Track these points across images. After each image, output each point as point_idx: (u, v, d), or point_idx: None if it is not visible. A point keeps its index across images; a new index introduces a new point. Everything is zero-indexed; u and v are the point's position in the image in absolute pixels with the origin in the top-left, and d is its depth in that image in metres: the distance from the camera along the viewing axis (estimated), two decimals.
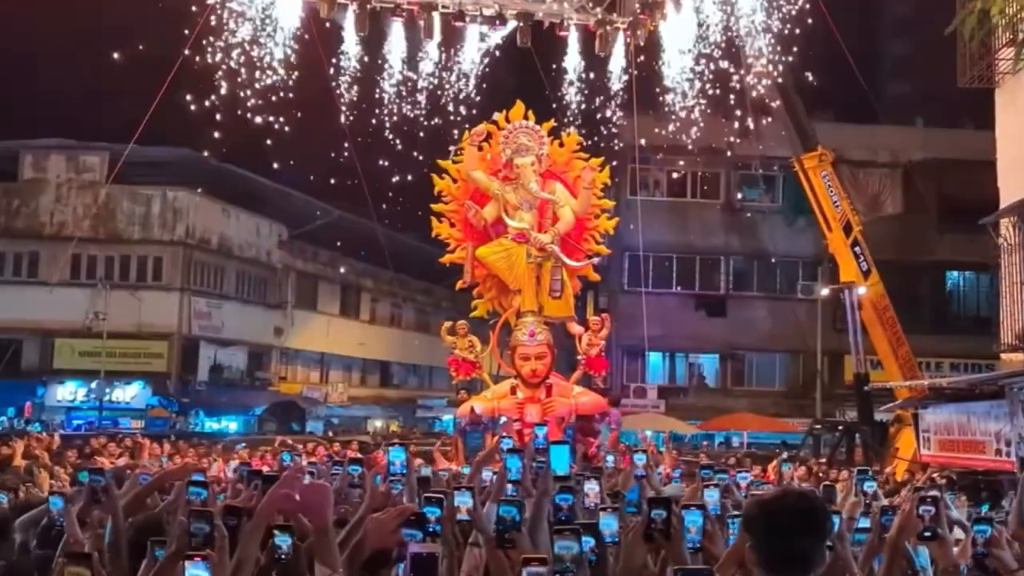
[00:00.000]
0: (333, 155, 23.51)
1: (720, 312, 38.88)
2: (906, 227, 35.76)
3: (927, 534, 4.47)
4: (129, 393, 39.97)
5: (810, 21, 19.26)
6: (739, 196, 39.16)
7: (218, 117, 18.67)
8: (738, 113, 23.71)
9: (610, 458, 9.89)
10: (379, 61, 19.53)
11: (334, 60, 19.43)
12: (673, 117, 20.52)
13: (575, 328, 17.27)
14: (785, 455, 23.95)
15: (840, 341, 29.68)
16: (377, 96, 19.91)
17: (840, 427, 28.12)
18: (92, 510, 4.89)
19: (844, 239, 25.54)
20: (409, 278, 57.32)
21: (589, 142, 18.74)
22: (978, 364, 28.81)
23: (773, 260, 38.38)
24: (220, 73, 17.80)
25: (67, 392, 40.02)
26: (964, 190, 31.03)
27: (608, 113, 21.19)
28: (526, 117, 17.11)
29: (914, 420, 21.15)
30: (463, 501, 4.64)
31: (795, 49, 20.54)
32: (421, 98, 19.99)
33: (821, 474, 17.73)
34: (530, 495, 5.44)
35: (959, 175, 33.78)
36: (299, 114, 19.84)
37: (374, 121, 20.33)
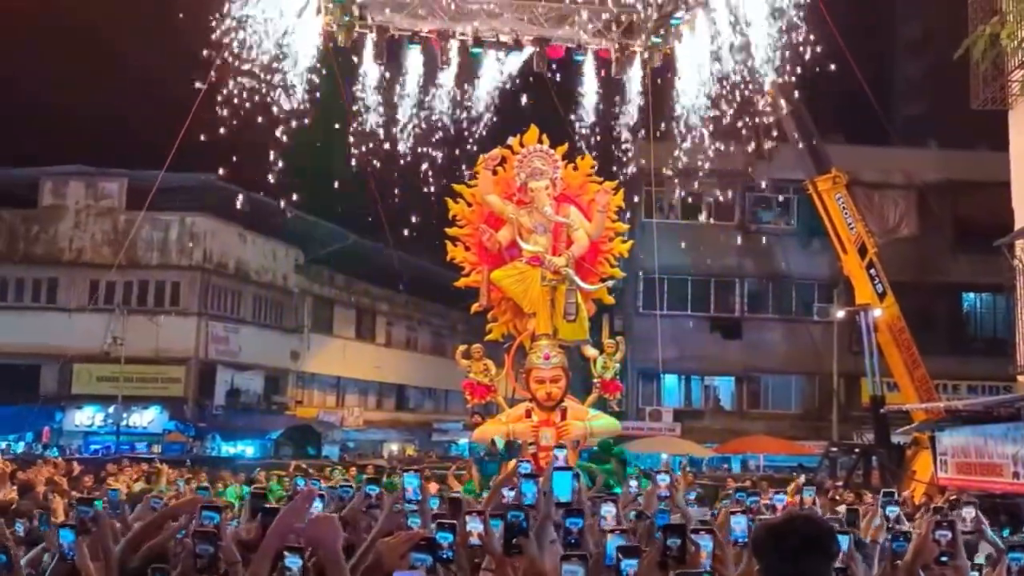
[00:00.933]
0: (349, 180, 23.66)
1: (735, 334, 38.86)
2: (921, 249, 35.72)
3: (943, 559, 4.46)
4: (146, 418, 40.12)
5: (819, 49, 19.31)
6: (754, 218, 39.20)
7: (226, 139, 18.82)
8: (752, 136, 23.79)
9: (633, 483, 9.90)
10: (397, 87, 19.71)
11: (352, 86, 19.62)
12: (688, 140, 20.61)
13: (590, 351, 17.28)
14: (803, 478, 23.89)
15: (856, 363, 29.61)
16: (394, 122, 20.06)
17: (857, 450, 28.02)
18: (83, 541, 4.88)
19: (859, 261, 25.54)
20: (424, 301, 57.46)
21: (603, 165, 18.83)
22: (995, 386, 28.75)
23: (788, 282, 38.36)
24: (237, 99, 17.98)
25: (85, 417, 40.20)
26: (979, 211, 31.03)
27: (623, 136, 21.29)
28: (540, 141, 17.22)
29: (931, 443, 21.09)
30: (474, 526, 4.68)
31: (807, 72, 20.61)
32: (438, 123, 20.15)
33: (837, 497, 17.64)
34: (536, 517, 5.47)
35: (974, 196, 33.78)
36: (317, 143, 19.99)
37: (387, 145, 20.46)
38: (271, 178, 19.59)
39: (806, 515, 3.63)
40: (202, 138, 18.69)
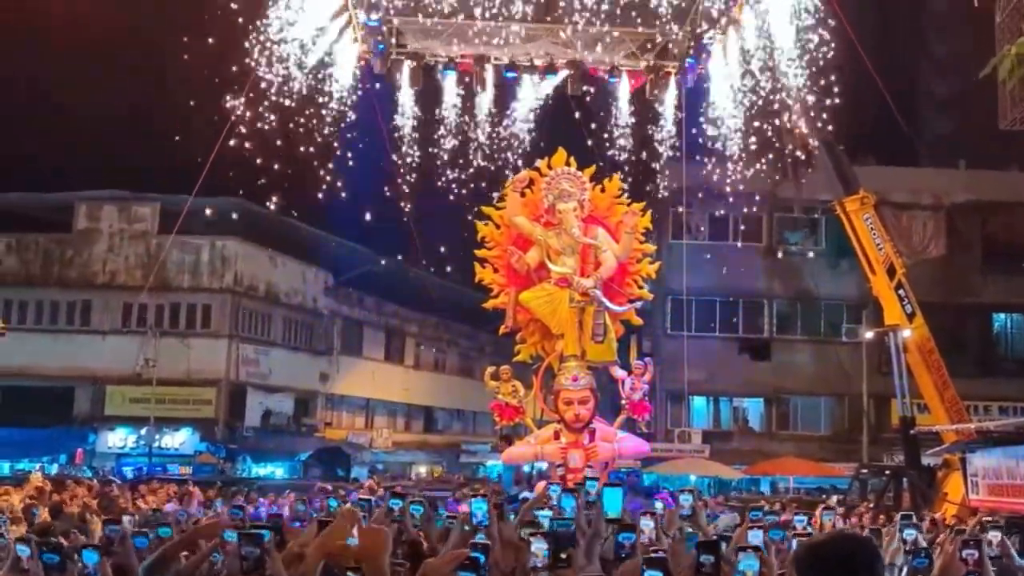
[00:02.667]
0: (384, 204, 23.87)
1: (764, 355, 38.76)
2: (950, 269, 35.55)
3: None
4: (178, 439, 40.43)
5: (848, 70, 19.39)
6: (782, 239, 39.16)
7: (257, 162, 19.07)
8: (781, 158, 23.85)
9: (658, 505, 9.98)
10: (434, 113, 19.97)
11: (388, 110, 19.90)
12: (716, 161, 20.71)
13: (618, 372, 17.33)
14: (834, 499, 23.81)
15: (886, 384, 29.46)
16: (429, 145, 20.30)
17: (887, 471, 27.85)
18: (107, 561, 4.93)
19: (888, 282, 25.46)
20: (453, 323, 57.63)
21: (631, 186, 18.94)
22: None
23: (817, 303, 38.24)
24: (270, 123, 18.24)
25: (117, 438, 40.55)
26: (1008, 232, 30.92)
27: (652, 157, 21.41)
28: (568, 163, 17.36)
29: (962, 464, 20.96)
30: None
31: (836, 93, 20.66)
32: (472, 147, 20.35)
33: (867, 519, 17.56)
34: (584, 534, 5.61)
35: (1003, 217, 33.66)
36: (350, 162, 20.20)
37: (420, 167, 20.67)
38: (302, 200, 19.85)
39: (851, 535, 3.65)
40: (238, 156, 18.94)
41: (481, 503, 5.93)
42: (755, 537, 5.67)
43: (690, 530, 6.80)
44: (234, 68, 17.90)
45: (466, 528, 5.69)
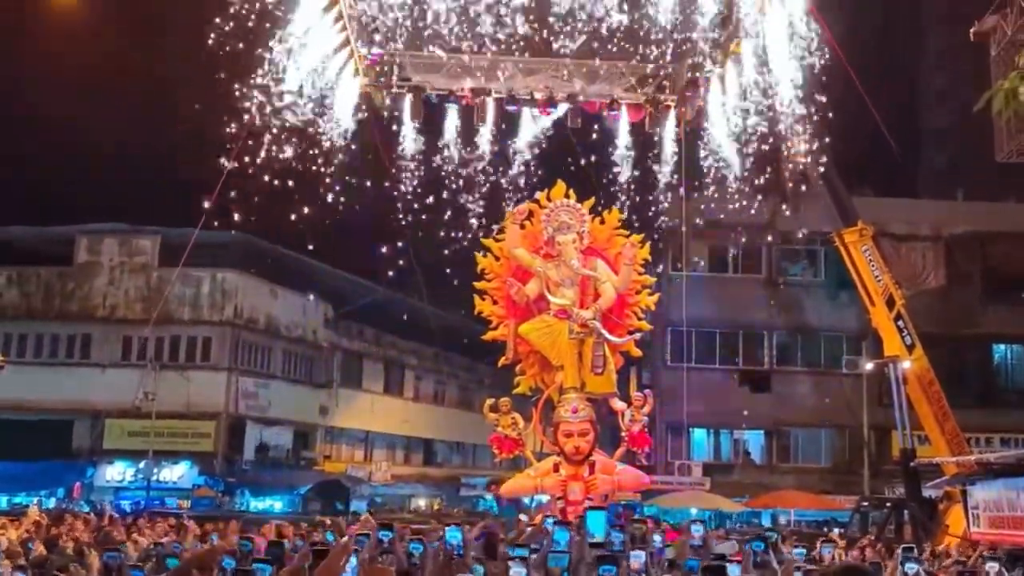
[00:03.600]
0: (383, 236, 23.92)
1: (764, 387, 38.70)
2: (950, 300, 35.58)
3: None
4: (176, 473, 40.30)
5: (846, 102, 19.50)
6: (781, 271, 39.22)
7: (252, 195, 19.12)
8: (780, 189, 23.94)
9: (657, 538, 9.95)
10: (435, 143, 20.07)
11: (389, 143, 20.00)
12: (715, 193, 20.77)
13: (618, 404, 17.28)
14: (835, 532, 23.71)
15: (886, 416, 29.43)
16: (428, 177, 20.39)
17: (888, 504, 27.74)
18: None
19: (887, 313, 25.48)
20: (452, 355, 57.59)
21: (630, 218, 18.99)
22: None
23: (817, 334, 38.24)
24: (273, 155, 18.31)
25: (116, 472, 40.42)
26: (1008, 263, 30.99)
27: (651, 189, 21.48)
28: (567, 195, 17.43)
29: (963, 496, 20.88)
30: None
31: (834, 125, 20.78)
32: (472, 179, 20.44)
33: (868, 552, 17.47)
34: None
35: (1002, 247, 33.74)
36: (351, 195, 20.27)
37: (415, 196, 20.72)
38: (302, 232, 19.90)
39: (856, 566, 3.67)
40: (239, 189, 18.99)
41: (455, 532, 5.94)
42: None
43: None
44: (236, 99, 17.97)
45: (441, 556, 5.70)
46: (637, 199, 20.68)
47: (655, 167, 20.57)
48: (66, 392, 39.55)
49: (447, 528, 6.17)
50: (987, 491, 19.37)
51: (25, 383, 37.87)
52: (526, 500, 16.72)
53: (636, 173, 20.56)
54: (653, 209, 21.63)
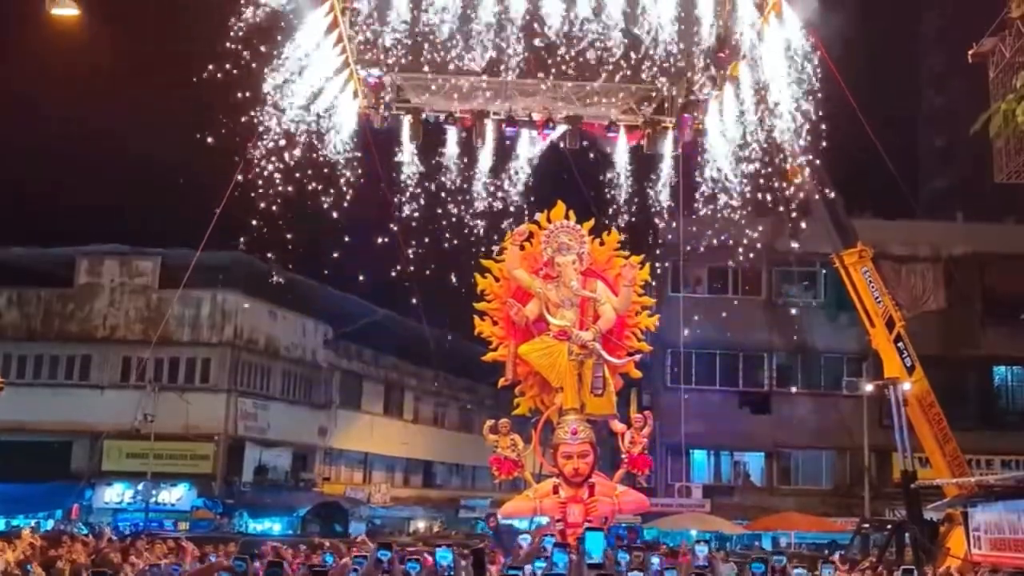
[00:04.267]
0: (382, 256, 23.95)
1: (764, 409, 38.62)
2: (950, 322, 35.56)
3: None
4: (175, 495, 40.13)
5: (845, 123, 19.55)
6: (781, 292, 39.22)
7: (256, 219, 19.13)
8: (779, 211, 23.94)
9: (655, 560, 9.94)
10: (434, 166, 20.12)
11: (388, 164, 20.05)
12: (714, 215, 20.79)
13: (617, 426, 17.26)
14: (836, 555, 23.59)
15: (887, 438, 29.32)
16: (427, 197, 20.41)
17: (889, 526, 27.62)
18: None
19: (887, 335, 25.43)
20: (452, 376, 57.49)
21: (630, 239, 19.02)
22: None
23: (817, 356, 38.18)
24: (272, 176, 18.33)
25: (114, 494, 40.25)
26: (1007, 284, 31.00)
27: (651, 210, 21.52)
28: (567, 217, 17.47)
29: (964, 519, 20.79)
30: None
31: (833, 146, 20.81)
32: (471, 199, 20.47)
33: (869, 574, 17.42)
34: None
35: (1002, 269, 33.75)
36: (350, 216, 20.30)
37: (414, 217, 20.75)
38: (303, 253, 19.92)
39: None
40: (239, 210, 19.01)
41: (446, 552, 5.96)
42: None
43: None
44: (237, 119, 18.02)
45: None
46: (634, 220, 20.74)
47: (652, 190, 20.62)
48: (65, 413, 39.44)
49: (437, 550, 6.19)
50: (988, 513, 19.28)
51: (24, 404, 37.74)
52: (522, 525, 16.62)
53: (634, 195, 20.62)
54: (652, 231, 21.70)
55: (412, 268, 22.93)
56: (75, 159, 44.04)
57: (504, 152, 20.43)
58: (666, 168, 20.33)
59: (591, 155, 21.03)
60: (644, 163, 20.49)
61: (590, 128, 20.26)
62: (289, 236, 20.25)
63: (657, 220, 21.87)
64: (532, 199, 20.25)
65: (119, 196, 43.80)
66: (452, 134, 20.13)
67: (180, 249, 35.20)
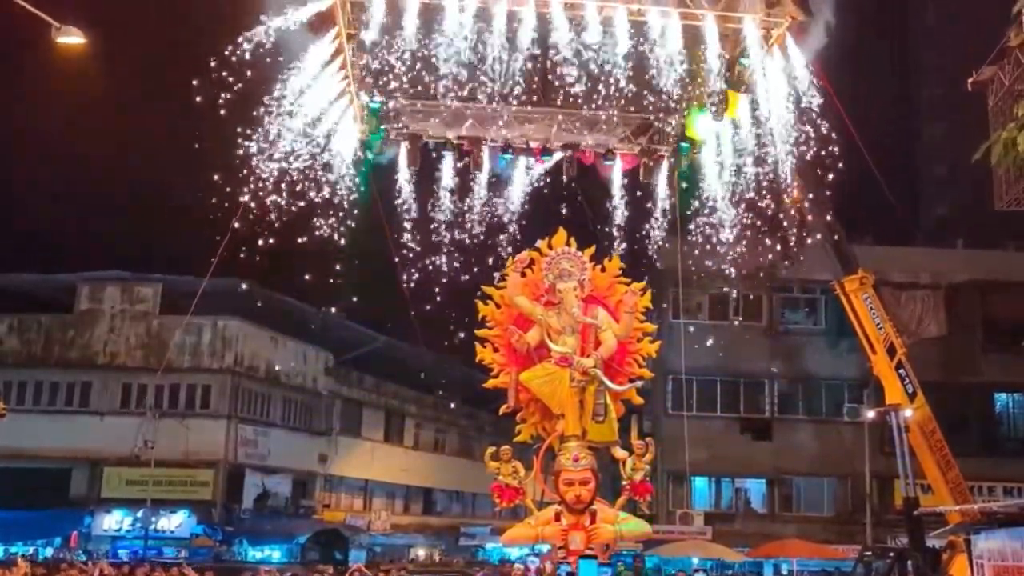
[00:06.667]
0: (384, 284, 23.99)
1: (766, 436, 38.55)
2: (951, 349, 35.56)
3: None
4: (174, 522, 39.97)
5: (846, 151, 19.63)
6: (782, 319, 39.23)
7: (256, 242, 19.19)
8: (779, 237, 23.98)
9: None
10: (432, 192, 20.19)
11: (387, 191, 20.13)
12: (715, 242, 20.83)
13: (619, 453, 17.19)
14: None
15: (889, 465, 29.24)
16: (426, 225, 20.48)
17: (891, 554, 27.49)
18: None
19: (888, 361, 25.41)
20: (453, 403, 57.43)
21: (630, 266, 19.04)
22: None
23: (818, 383, 38.16)
24: (273, 203, 18.39)
25: (113, 521, 40.10)
26: (1008, 311, 31.02)
27: (651, 237, 21.56)
28: (568, 243, 17.50)
29: (966, 546, 20.70)
30: None
31: (833, 174, 20.88)
32: (470, 227, 20.52)
33: None
34: None
35: (1002, 296, 33.78)
36: (350, 241, 20.34)
37: (413, 244, 20.79)
38: (303, 281, 19.94)
39: None
40: (240, 238, 19.05)
41: None
42: None
43: None
44: (238, 149, 18.10)
45: None
46: (637, 248, 20.79)
47: (650, 220, 20.70)
48: (65, 440, 39.40)
49: None
50: (991, 541, 19.19)
51: (24, 430, 37.58)
52: (526, 550, 16.60)
53: (632, 221, 20.69)
54: (647, 259, 21.73)
55: (411, 294, 22.96)
56: (76, 185, 44.20)
57: (502, 179, 20.51)
58: (662, 195, 20.40)
59: (578, 190, 21.06)
60: (643, 190, 20.57)
61: (586, 157, 20.34)
62: (289, 264, 20.30)
63: (656, 247, 21.88)
64: (523, 222, 20.33)
65: (120, 223, 43.95)
66: (448, 160, 20.21)
67: (181, 276, 35.28)
